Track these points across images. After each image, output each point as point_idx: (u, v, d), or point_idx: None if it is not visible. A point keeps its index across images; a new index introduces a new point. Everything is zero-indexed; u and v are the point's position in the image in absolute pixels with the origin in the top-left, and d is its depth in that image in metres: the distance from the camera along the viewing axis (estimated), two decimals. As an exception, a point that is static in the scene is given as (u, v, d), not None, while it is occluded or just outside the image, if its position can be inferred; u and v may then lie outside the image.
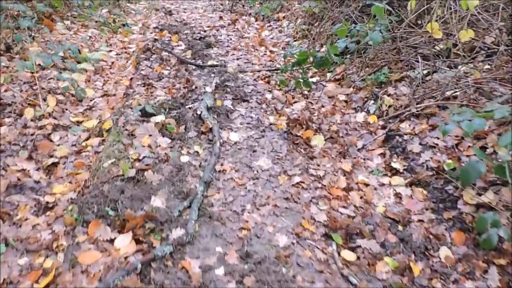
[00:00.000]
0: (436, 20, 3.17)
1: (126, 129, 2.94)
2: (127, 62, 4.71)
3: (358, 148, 3.02)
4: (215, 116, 3.24)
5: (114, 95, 3.76)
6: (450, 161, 2.56)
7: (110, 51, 5.03)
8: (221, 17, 6.71)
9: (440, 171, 2.54)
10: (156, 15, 6.65)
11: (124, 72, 4.39)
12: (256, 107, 3.53)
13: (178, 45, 5.12)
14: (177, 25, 6.05)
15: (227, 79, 3.91)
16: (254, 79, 4.12)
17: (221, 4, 7.93)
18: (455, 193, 2.36)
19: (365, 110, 3.45)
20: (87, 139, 3.07)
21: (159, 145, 2.83)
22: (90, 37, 5.35)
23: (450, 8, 3.33)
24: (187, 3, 8.00)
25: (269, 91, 3.86)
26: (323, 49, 4.81)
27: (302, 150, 2.98)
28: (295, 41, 5.45)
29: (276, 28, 6.11)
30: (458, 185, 2.36)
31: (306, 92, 3.89)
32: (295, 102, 3.69)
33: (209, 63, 4.42)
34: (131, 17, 6.93)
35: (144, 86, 3.81)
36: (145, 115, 3.16)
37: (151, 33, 5.65)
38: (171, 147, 2.83)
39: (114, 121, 3.09)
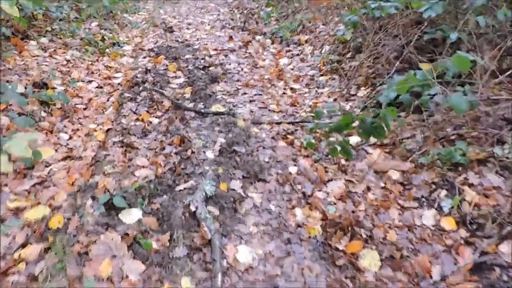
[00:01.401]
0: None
1: (78, 241, 1.90)
2: (108, 99, 3.67)
3: (434, 281, 1.96)
4: (217, 213, 2.19)
5: (81, 158, 2.73)
6: None
7: (90, 81, 4.00)
8: (231, 37, 5.66)
9: None
10: (154, 32, 5.61)
11: (101, 117, 3.35)
12: (276, 190, 2.48)
13: (175, 77, 4.08)
14: (177, 47, 5.02)
15: (235, 139, 2.86)
16: (272, 137, 3.06)
17: (232, 19, 6.89)
18: None
19: (435, 205, 2.38)
20: (23, 245, 2.03)
21: (126, 276, 1.78)
22: (68, 61, 4.33)
23: None
24: (192, 16, 6.97)
25: (293, 159, 2.80)
26: (360, 93, 3.76)
27: (348, 282, 1.93)
28: (321, 75, 4.40)
29: (297, 54, 5.06)
30: None
31: (343, 161, 2.83)
32: (330, 180, 2.63)
33: (213, 108, 3.37)
34: (125, 32, 5.91)
35: (122, 147, 2.77)
36: (113, 207, 2.12)
37: (145, 57, 4.61)
38: (144, 280, 1.78)
39: (64, 221, 2.05)
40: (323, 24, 5.69)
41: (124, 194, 2.18)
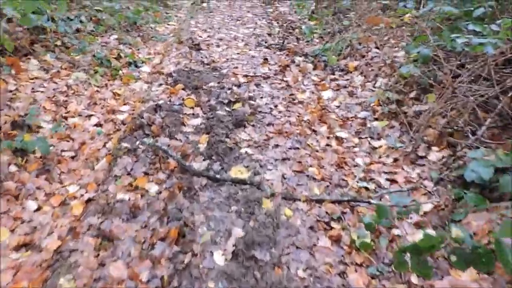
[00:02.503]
0: None
1: None
2: (105, 144, 2.92)
3: None
4: None
5: (40, 250, 1.96)
6: None
7: (89, 116, 3.27)
8: (266, 59, 4.81)
9: None
10: (178, 50, 4.85)
11: (88, 174, 2.59)
12: None
13: (192, 115, 3.28)
14: (201, 70, 4.22)
15: (258, 234, 1.99)
16: (311, 227, 2.17)
17: (269, 34, 6.04)
18: None
19: None
20: None
21: None
22: (69, 87, 3.62)
23: None
24: (225, 29, 6.18)
25: (340, 273, 1.91)
26: (432, 156, 2.79)
27: None
28: (376, 119, 3.46)
29: (345, 86, 4.13)
30: None
31: (414, 279, 1.91)
32: (396, 318, 1.73)
33: (233, 172, 2.52)
34: (148, 47, 5.19)
35: (97, 236, 1.97)
36: None
37: (160, 85, 3.83)
38: None
39: None
40: (377, 48, 4.73)
41: None
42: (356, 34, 5.07)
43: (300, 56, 5.06)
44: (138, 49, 4.98)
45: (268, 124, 3.26)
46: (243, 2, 8.67)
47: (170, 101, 3.46)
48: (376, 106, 3.61)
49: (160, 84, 3.80)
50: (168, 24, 6.70)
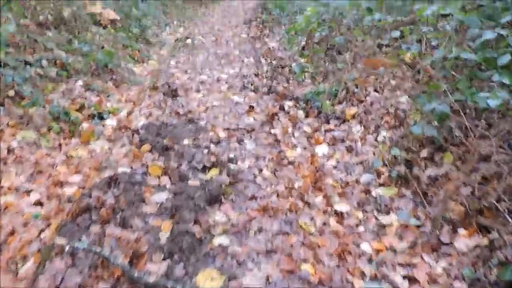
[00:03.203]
0: None
1: None
2: (39, 234, 2.27)
3: None
4: None
5: None
6: None
7: (29, 192, 2.64)
8: (251, 107, 4.25)
9: None
10: (151, 98, 4.28)
11: (9, 282, 1.94)
12: None
13: (156, 187, 2.65)
14: (175, 124, 3.63)
15: None
16: None
17: (256, 75, 5.51)
18: None
19: None
20: None
21: None
22: (10, 151, 3.01)
23: None
24: (208, 69, 5.65)
25: None
26: (460, 243, 2.17)
27: None
28: (381, 185, 2.86)
29: (342, 140, 3.54)
30: None
31: None
32: None
33: (200, 279, 1.88)
34: (120, 93, 4.62)
35: None
36: None
37: (124, 145, 3.23)
38: None
39: None
40: (376, 91, 4.20)
41: None
42: (352, 75, 4.54)
43: (290, 100, 4.50)
44: (108, 96, 4.40)
45: (251, 198, 2.64)
46: (231, 37, 8.23)
47: (132, 168, 2.85)
48: (380, 167, 3.02)
49: (123, 145, 3.20)
50: (147, 64, 6.18)
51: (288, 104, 4.38)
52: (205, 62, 6.10)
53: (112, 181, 2.57)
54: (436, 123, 2.51)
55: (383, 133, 3.39)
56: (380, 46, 5.03)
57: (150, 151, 3.10)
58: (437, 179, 2.65)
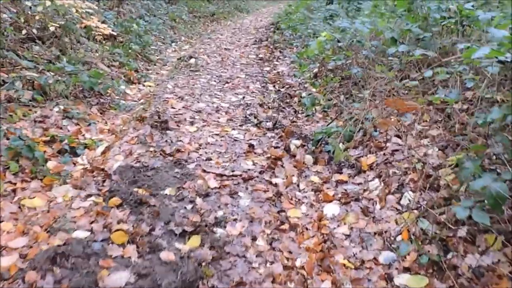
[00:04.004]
0: None
1: None
2: None
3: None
4: None
5: None
6: None
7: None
8: (251, 147, 3.66)
9: None
10: (136, 129, 3.71)
11: None
12: None
13: (117, 264, 2.06)
14: (157, 167, 3.05)
15: None
16: None
17: (261, 104, 4.94)
18: None
19: None
20: None
21: None
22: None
23: None
24: (208, 96, 5.09)
25: None
26: None
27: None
28: (407, 269, 2.23)
29: (357, 198, 2.93)
30: None
31: None
32: None
33: None
34: (104, 121, 4.07)
35: None
36: None
37: (89, 196, 2.64)
38: None
39: None
40: (398, 136, 3.58)
41: None
42: (370, 114, 3.95)
43: (298, 139, 3.91)
44: (89, 125, 3.85)
45: (238, 285, 2.02)
46: (238, 58, 7.72)
47: (91, 230, 2.26)
48: (405, 238, 2.39)
49: (89, 195, 2.61)
50: (143, 85, 5.65)
51: (294, 143, 3.79)
52: (206, 86, 5.55)
53: (59, 255, 1.97)
54: (487, 205, 1.88)
55: (408, 195, 2.76)
56: (403, 80, 4.46)
57: (121, 205, 2.51)
58: (483, 274, 2.02)
